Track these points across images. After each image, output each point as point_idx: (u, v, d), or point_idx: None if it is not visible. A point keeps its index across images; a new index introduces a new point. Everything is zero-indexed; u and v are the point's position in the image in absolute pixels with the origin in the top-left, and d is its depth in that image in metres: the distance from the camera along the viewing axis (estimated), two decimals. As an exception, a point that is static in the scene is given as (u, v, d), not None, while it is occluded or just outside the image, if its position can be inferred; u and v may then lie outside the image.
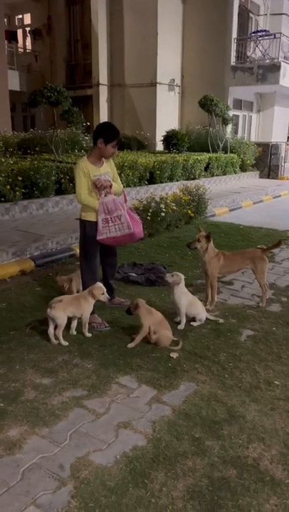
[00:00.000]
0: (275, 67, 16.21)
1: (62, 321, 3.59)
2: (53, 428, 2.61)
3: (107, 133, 3.84)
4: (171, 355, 3.49)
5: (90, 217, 4.03)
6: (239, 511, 2.06)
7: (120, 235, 3.91)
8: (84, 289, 4.00)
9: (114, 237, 3.92)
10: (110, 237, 3.92)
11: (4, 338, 3.72)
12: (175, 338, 3.73)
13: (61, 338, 3.60)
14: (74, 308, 3.68)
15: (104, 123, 4.09)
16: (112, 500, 2.10)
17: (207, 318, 4.13)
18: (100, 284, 3.77)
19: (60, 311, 3.57)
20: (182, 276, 3.98)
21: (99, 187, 3.86)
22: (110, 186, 3.92)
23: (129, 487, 2.18)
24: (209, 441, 2.53)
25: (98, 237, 3.91)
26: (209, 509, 2.07)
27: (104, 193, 3.87)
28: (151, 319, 3.61)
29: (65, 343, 3.59)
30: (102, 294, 3.71)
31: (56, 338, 3.62)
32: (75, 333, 3.80)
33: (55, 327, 3.61)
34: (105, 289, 3.78)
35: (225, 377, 3.21)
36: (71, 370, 3.24)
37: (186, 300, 3.97)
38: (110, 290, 4.43)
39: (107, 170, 4.01)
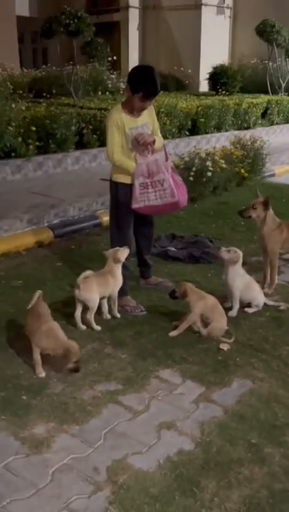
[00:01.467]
0: None
1: (95, 303, 3.77)
2: (84, 426, 2.80)
3: (134, 80, 3.88)
4: (221, 346, 3.63)
5: (124, 178, 4.13)
6: (305, 528, 2.21)
7: (161, 203, 4.00)
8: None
9: (153, 206, 4.02)
10: (148, 206, 4.02)
11: (22, 321, 3.93)
12: (226, 327, 3.85)
13: (93, 322, 3.79)
14: (102, 287, 3.85)
15: (137, 67, 4.08)
16: (156, 508, 2.28)
17: (265, 304, 4.21)
18: (126, 248, 4.00)
19: (92, 292, 3.74)
20: (241, 254, 4.06)
21: (142, 143, 3.92)
22: (154, 142, 3.98)
23: (175, 495, 2.35)
24: (269, 449, 2.67)
25: (134, 205, 4.02)
26: (269, 524, 2.22)
27: (148, 151, 3.94)
28: (204, 305, 3.74)
29: (97, 327, 3.79)
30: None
31: (84, 322, 3.80)
32: (109, 317, 3.99)
33: (84, 310, 3.79)
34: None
35: (287, 374, 3.32)
36: (103, 360, 3.43)
37: (242, 282, 4.06)
38: (146, 267, 4.57)
39: (146, 120, 4.07)
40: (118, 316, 4.01)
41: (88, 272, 3.87)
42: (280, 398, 3.08)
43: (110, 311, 4.02)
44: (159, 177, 3.96)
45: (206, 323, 3.75)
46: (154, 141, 3.99)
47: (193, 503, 2.32)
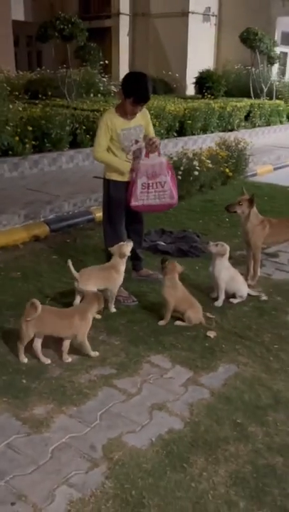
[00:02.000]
0: None
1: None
2: (81, 407, 2.84)
3: (126, 86, 3.90)
4: (208, 334, 3.68)
5: (116, 176, 4.15)
6: (287, 499, 2.26)
7: (159, 203, 4.06)
8: (107, 256, 4.18)
9: (150, 205, 4.07)
10: (146, 205, 4.06)
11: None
12: (212, 316, 3.90)
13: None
14: (105, 280, 3.88)
15: (131, 74, 4.09)
16: (149, 482, 2.32)
17: (249, 295, 4.27)
18: (129, 241, 4.03)
19: (90, 285, 3.76)
20: (228, 248, 4.11)
21: (151, 144, 3.98)
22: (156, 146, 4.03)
23: (166, 470, 2.40)
24: (253, 428, 2.72)
25: (133, 203, 4.05)
26: (254, 496, 2.28)
27: (157, 153, 4.01)
28: (174, 296, 3.77)
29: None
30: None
31: None
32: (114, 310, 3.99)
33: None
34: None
35: (269, 359, 3.38)
36: (98, 346, 3.45)
37: (227, 275, 4.11)
38: (138, 260, 4.61)
39: (140, 123, 4.09)
40: (113, 310, 3.99)
41: (90, 268, 3.95)
42: (263, 381, 3.14)
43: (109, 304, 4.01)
44: (161, 179, 4.04)
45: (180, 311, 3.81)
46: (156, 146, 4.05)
47: (184, 477, 2.37)
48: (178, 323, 3.81)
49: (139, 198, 4.04)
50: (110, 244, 4.20)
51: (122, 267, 3.98)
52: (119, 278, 3.97)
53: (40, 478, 2.34)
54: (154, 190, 4.05)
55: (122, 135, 4.00)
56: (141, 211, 4.26)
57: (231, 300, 4.21)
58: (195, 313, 3.77)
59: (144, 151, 4.08)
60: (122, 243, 4.00)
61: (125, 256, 3.97)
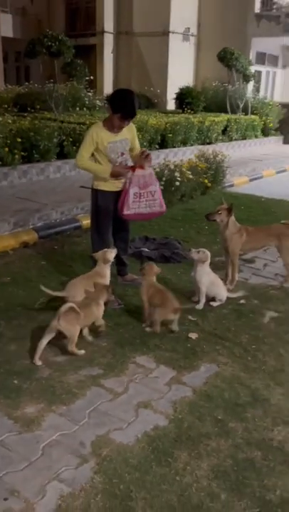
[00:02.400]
0: (305, 16, 15.95)
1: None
2: (70, 406, 2.83)
3: (114, 102, 3.93)
4: (190, 335, 3.70)
5: (104, 186, 4.17)
6: (265, 491, 2.29)
7: (149, 211, 4.10)
8: (94, 262, 4.18)
9: (141, 213, 4.10)
10: (137, 213, 4.09)
11: (12, 313, 3.93)
12: (194, 319, 3.94)
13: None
14: (90, 288, 3.83)
15: (119, 91, 4.13)
16: (135, 476, 2.33)
17: (228, 298, 4.31)
18: (113, 248, 4.05)
19: (79, 295, 3.75)
20: (209, 254, 4.14)
21: (146, 157, 4.03)
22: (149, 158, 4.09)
23: (152, 465, 2.41)
24: (233, 423, 2.75)
25: (125, 212, 4.06)
26: (234, 488, 2.30)
27: (148, 165, 4.06)
28: (147, 294, 3.78)
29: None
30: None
31: None
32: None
33: None
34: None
35: (248, 359, 3.42)
36: (85, 348, 3.44)
37: (208, 279, 4.14)
38: (123, 266, 4.62)
39: (126, 137, 4.11)
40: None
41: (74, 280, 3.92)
42: (242, 380, 3.17)
43: None
44: (151, 188, 4.09)
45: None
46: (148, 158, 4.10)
47: (168, 471, 2.38)
48: (147, 329, 3.77)
49: (131, 207, 4.06)
50: (97, 251, 4.20)
51: (107, 272, 3.97)
52: (105, 283, 3.96)
53: (31, 475, 2.33)
54: (145, 200, 4.08)
55: (108, 147, 4.02)
56: (131, 219, 4.28)
57: (211, 303, 4.25)
58: (162, 311, 3.69)
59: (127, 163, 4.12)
60: (106, 249, 4.00)
61: (109, 262, 3.96)
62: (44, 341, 3.26)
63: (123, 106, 3.89)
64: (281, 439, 2.65)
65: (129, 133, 4.17)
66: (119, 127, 4.04)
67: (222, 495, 2.26)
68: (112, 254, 3.97)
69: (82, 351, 3.37)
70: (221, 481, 2.34)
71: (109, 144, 4.01)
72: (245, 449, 2.56)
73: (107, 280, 3.95)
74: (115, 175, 4.05)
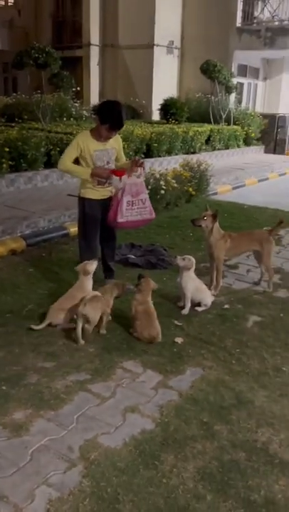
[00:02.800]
0: (284, 31, 16.18)
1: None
2: (58, 411, 2.81)
3: (102, 113, 3.96)
4: (176, 340, 3.71)
5: (91, 194, 4.17)
6: (250, 491, 2.30)
7: (140, 219, 4.14)
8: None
9: (133, 221, 4.12)
10: (130, 221, 4.10)
11: (0, 320, 3.89)
12: (179, 324, 3.94)
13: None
14: (73, 308, 3.80)
15: (107, 102, 4.14)
16: (123, 480, 2.32)
17: (212, 303, 4.33)
18: (94, 260, 3.99)
19: (62, 317, 3.79)
20: (194, 261, 4.16)
21: (139, 165, 4.04)
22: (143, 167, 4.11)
23: (139, 468, 2.40)
24: (218, 426, 2.76)
25: (119, 220, 4.06)
26: (220, 489, 2.30)
27: (138, 174, 4.06)
28: (137, 311, 3.75)
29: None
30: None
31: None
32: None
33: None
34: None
35: (232, 363, 3.44)
36: (73, 354, 3.44)
37: (193, 285, 4.16)
38: (110, 272, 4.62)
39: (112, 146, 4.14)
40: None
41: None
42: (226, 383, 3.18)
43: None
44: (142, 196, 4.11)
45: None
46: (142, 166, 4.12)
47: (155, 474, 2.38)
48: (135, 334, 3.74)
49: (125, 215, 4.06)
50: (85, 258, 4.19)
51: (88, 284, 3.90)
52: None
53: (20, 480, 2.30)
54: (137, 207, 4.10)
55: (95, 155, 4.04)
56: (123, 227, 4.30)
57: (196, 308, 4.26)
58: (142, 332, 3.67)
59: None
60: (86, 262, 3.95)
61: (89, 274, 3.90)
62: (79, 328, 3.52)
63: (111, 117, 3.91)
64: (265, 440, 2.67)
65: (116, 143, 4.19)
66: (107, 137, 4.06)
67: (208, 496, 2.26)
68: (92, 266, 3.91)
69: (82, 342, 3.55)
70: (207, 483, 2.34)
71: (96, 152, 4.03)
72: (230, 450, 2.57)
73: (86, 292, 3.84)
74: (95, 175, 4.04)
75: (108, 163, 4.16)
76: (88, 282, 3.92)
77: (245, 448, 2.59)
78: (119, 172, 4.08)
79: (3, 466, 2.38)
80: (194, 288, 4.19)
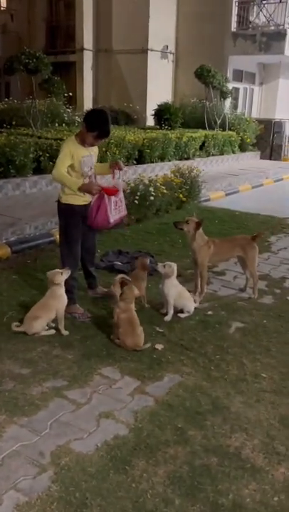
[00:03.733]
0: (280, 35, 16.40)
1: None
2: (32, 417, 2.87)
3: (90, 120, 4.06)
4: (156, 346, 3.77)
5: (73, 200, 4.25)
6: (218, 495, 2.36)
7: (119, 216, 4.28)
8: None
9: (115, 219, 4.25)
10: (115, 219, 4.23)
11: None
12: (161, 330, 4.01)
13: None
14: (48, 312, 3.91)
15: (95, 110, 4.33)
16: (92, 484, 2.38)
17: (196, 309, 4.40)
18: (67, 269, 4.05)
19: (38, 325, 3.88)
20: (175, 268, 4.24)
21: (120, 168, 4.26)
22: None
23: (109, 473, 2.46)
24: (192, 431, 2.82)
25: (111, 220, 4.18)
26: (189, 493, 2.36)
27: (118, 174, 4.28)
28: (120, 318, 3.80)
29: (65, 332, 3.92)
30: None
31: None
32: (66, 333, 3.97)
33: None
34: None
35: (211, 369, 3.50)
36: (51, 360, 3.50)
37: (176, 292, 4.24)
38: (92, 278, 4.68)
39: (94, 151, 4.29)
40: (66, 333, 3.92)
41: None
42: (204, 389, 3.25)
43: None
44: (121, 195, 4.28)
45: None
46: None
47: (125, 478, 2.44)
48: (116, 341, 3.79)
49: (114, 214, 4.20)
50: (68, 263, 4.25)
51: (60, 292, 3.96)
52: (60, 304, 3.95)
53: (-11, 485, 2.36)
54: (118, 206, 4.26)
55: (82, 161, 4.14)
56: (109, 227, 4.42)
57: (179, 315, 4.33)
58: (124, 340, 3.72)
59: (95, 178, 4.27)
60: (56, 270, 3.99)
61: (58, 283, 3.93)
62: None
63: (98, 125, 4.04)
64: (238, 445, 2.73)
65: (95, 148, 4.31)
66: (91, 145, 4.17)
67: (176, 500, 2.32)
68: (60, 276, 3.95)
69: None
70: (176, 487, 2.40)
71: (83, 157, 4.13)
72: (202, 455, 2.63)
73: (60, 302, 3.94)
74: (86, 190, 4.13)
75: (91, 168, 4.25)
76: (60, 290, 3.96)
77: (217, 453, 2.65)
78: (110, 190, 4.18)
79: (-27, 471, 2.43)
80: (177, 294, 4.26)
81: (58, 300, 3.93)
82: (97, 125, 4.03)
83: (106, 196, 4.13)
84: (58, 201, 4.30)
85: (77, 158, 4.09)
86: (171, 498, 2.33)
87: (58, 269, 4.02)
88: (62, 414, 2.92)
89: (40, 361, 3.49)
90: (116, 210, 4.23)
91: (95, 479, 2.42)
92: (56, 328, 3.95)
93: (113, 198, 4.18)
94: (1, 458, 2.54)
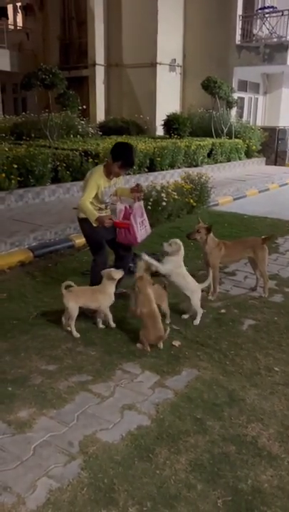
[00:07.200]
0: (282, 47, 16.40)
1: (74, 312, 3.89)
2: (60, 410, 2.93)
3: (116, 151, 4.24)
4: (173, 343, 3.82)
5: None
6: (238, 481, 2.39)
7: (145, 234, 4.51)
8: (95, 278, 4.29)
9: (142, 238, 4.48)
10: (141, 239, 4.45)
11: (7, 327, 4.04)
12: (177, 328, 4.05)
13: (73, 328, 3.91)
14: (88, 299, 3.98)
15: (120, 143, 4.44)
16: (119, 471, 2.43)
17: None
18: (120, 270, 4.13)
19: (72, 301, 3.88)
20: (181, 244, 4.16)
21: (140, 191, 4.45)
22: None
23: (134, 460, 2.51)
24: (210, 422, 2.86)
25: (139, 240, 4.42)
26: (210, 479, 2.40)
27: (139, 197, 4.47)
28: (141, 312, 3.84)
29: (76, 334, 3.90)
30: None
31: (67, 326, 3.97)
32: (103, 326, 4.08)
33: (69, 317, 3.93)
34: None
35: (226, 363, 3.54)
36: (76, 357, 3.56)
37: (182, 273, 4.25)
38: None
39: (116, 182, 4.46)
40: (113, 325, 4.07)
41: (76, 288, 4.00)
42: (220, 382, 3.28)
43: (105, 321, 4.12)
44: (144, 217, 4.51)
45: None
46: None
47: (149, 466, 2.48)
48: (138, 345, 3.78)
49: (139, 234, 4.39)
50: (95, 271, 4.36)
51: (110, 290, 4.04)
52: (106, 298, 4.03)
53: (23, 472, 2.42)
54: (144, 226, 4.48)
55: (104, 192, 4.31)
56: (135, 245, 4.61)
57: (183, 316, 4.32)
58: (143, 333, 3.74)
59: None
60: (112, 269, 4.11)
61: (114, 280, 4.03)
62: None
63: (122, 156, 4.20)
64: (255, 434, 2.76)
65: (118, 179, 4.49)
66: (117, 175, 4.34)
67: (198, 485, 2.36)
68: (118, 274, 4.06)
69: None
70: (198, 473, 2.43)
71: (105, 188, 4.32)
72: (221, 444, 2.67)
73: (107, 297, 4.05)
74: (100, 222, 4.22)
75: (110, 196, 4.48)
76: (111, 288, 4.04)
77: (235, 442, 2.69)
78: (121, 224, 4.37)
79: (8, 459, 2.49)
80: (181, 277, 4.21)
81: (105, 296, 4.00)
82: (121, 155, 4.22)
83: (132, 218, 4.34)
84: (78, 218, 4.42)
85: (100, 190, 4.26)
86: (194, 484, 2.37)
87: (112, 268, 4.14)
88: (88, 406, 2.97)
89: (65, 358, 3.55)
90: (142, 230, 4.45)
91: (122, 466, 2.46)
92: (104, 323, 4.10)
93: (138, 219, 4.38)
94: (33, 447, 2.60)
